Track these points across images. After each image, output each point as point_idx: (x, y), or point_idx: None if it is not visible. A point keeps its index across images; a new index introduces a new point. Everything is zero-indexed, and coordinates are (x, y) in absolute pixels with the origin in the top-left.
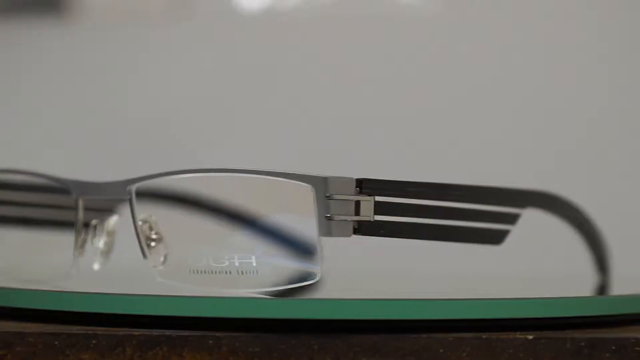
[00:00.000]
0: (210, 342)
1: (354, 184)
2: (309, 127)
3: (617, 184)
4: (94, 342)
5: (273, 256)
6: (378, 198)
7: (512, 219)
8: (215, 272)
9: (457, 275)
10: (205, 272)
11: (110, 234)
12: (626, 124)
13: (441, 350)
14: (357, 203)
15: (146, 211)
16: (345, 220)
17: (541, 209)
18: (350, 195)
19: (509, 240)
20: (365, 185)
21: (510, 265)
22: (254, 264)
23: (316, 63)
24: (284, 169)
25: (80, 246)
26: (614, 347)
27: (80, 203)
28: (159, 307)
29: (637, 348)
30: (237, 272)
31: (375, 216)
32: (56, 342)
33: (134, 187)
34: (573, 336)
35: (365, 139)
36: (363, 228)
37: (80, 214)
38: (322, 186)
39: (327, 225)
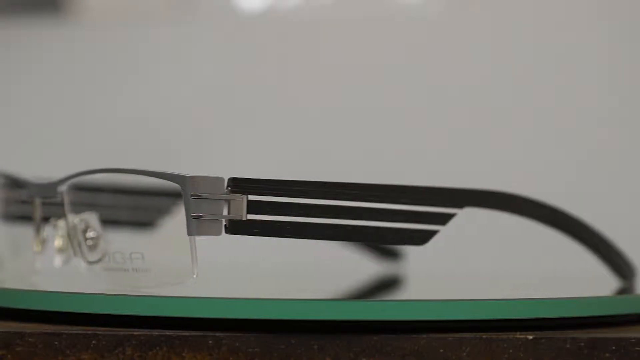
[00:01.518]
0: (210, 342)
1: (224, 183)
2: (309, 127)
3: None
4: (94, 342)
5: (157, 255)
6: (252, 197)
7: (441, 218)
8: (122, 270)
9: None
10: (116, 269)
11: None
12: (626, 124)
13: (441, 350)
14: (228, 202)
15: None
16: (215, 219)
17: (488, 209)
18: (219, 194)
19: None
20: (236, 184)
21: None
22: (144, 263)
23: (316, 63)
24: (281, 168)
25: (39, 244)
26: (613, 347)
27: (38, 202)
28: (158, 308)
29: (637, 348)
30: (133, 270)
31: (248, 215)
32: (56, 342)
33: (64, 187)
34: (573, 336)
35: (365, 139)
36: (235, 227)
37: (37, 213)
38: (189, 185)
39: (196, 224)
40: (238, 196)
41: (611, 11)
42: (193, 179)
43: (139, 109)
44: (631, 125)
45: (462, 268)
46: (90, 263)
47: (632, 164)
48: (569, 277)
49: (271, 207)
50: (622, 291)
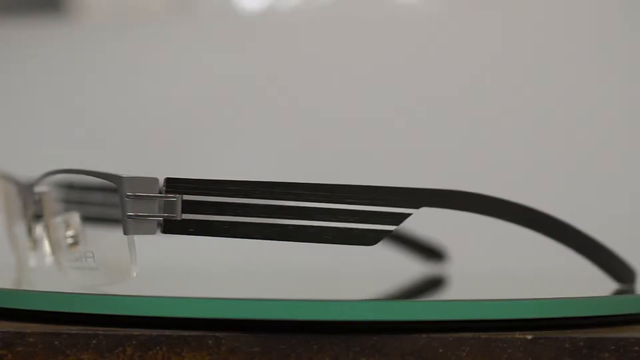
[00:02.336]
0: (210, 342)
1: (158, 183)
2: (309, 127)
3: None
4: (94, 342)
5: (105, 254)
6: (187, 197)
7: (395, 218)
8: (79, 268)
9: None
10: (75, 268)
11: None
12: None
13: (441, 350)
14: (162, 202)
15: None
16: (150, 218)
17: (446, 208)
18: (154, 194)
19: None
20: (170, 185)
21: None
22: (94, 261)
23: (316, 63)
24: (281, 168)
25: (32, 242)
26: (612, 347)
27: (28, 201)
28: (158, 308)
29: (636, 348)
30: (88, 268)
31: (183, 215)
32: (56, 342)
33: (39, 188)
34: (572, 336)
35: (365, 139)
36: (169, 226)
37: (28, 211)
38: (125, 185)
39: (132, 223)
40: (173, 196)
41: (611, 11)
42: (128, 179)
43: (138, 108)
44: (630, 125)
45: (461, 268)
46: (67, 261)
47: (629, 164)
48: (568, 277)
49: (206, 206)
50: (620, 292)
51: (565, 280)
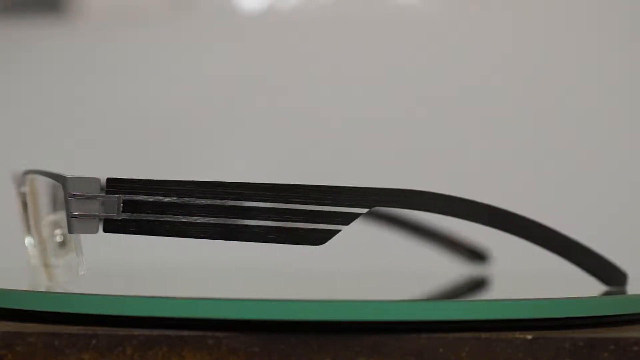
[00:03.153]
0: (210, 342)
1: (100, 183)
2: (309, 127)
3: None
4: (94, 342)
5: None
6: (127, 197)
7: (344, 218)
8: (46, 266)
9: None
10: (44, 265)
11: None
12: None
13: (441, 350)
14: (103, 201)
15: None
16: (92, 218)
17: (398, 207)
18: (94, 193)
19: None
20: (110, 185)
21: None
22: (54, 260)
23: (316, 63)
24: (280, 168)
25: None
26: (612, 347)
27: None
28: (159, 308)
29: (636, 348)
30: (53, 266)
31: (124, 214)
32: (56, 342)
33: (23, 188)
34: (572, 336)
35: (365, 139)
36: (110, 225)
37: (22, 209)
38: (69, 185)
39: (76, 222)
40: (113, 196)
41: (611, 11)
42: (72, 179)
43: (138, 108)
44: (629, 125)
45: (460, 268)
46: (55, 260)
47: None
48: (567, 277)
49: (147, 206)
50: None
51: (571, 280)
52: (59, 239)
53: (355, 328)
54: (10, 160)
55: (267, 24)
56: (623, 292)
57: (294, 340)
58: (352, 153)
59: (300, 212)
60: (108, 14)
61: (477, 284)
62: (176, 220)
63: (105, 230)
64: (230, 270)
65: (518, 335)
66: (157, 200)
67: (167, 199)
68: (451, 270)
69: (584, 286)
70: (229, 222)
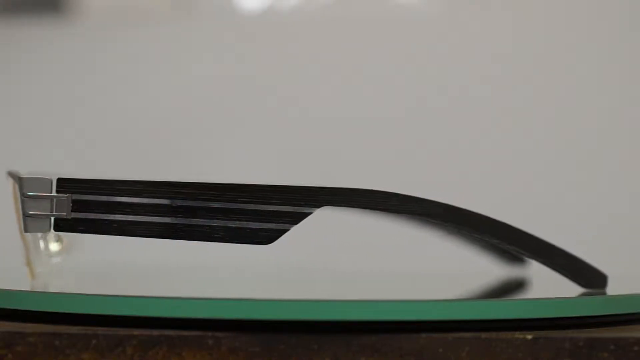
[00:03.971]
0: (210, 342)
1: (52, 183)
2: (309, 127)
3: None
4: (94, 342)
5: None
6: (77, 196)
7: (293, 217)
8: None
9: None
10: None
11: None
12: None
13: (441, 350)
14: (53, 201)
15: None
16: (44, 217)
17: (348, 207)
18: (46, 193)
19: None
20: (61, 185)
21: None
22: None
23: (316, 63)
24: (279, 168)
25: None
26: (612, 347)
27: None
28: (159, 308)
29: (636, 347)
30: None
31: (73, 213)
32: (57, 342)
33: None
34: (572, 336)
35: (365, 138)
36: (60, 224)
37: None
38: (23, 185)
39: (29, 221)
40: (63, 195)
41: (611, 12)
42: (25, 179)
43: (139, 107)
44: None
45: (459, 267)
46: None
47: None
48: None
49: (96, 205)
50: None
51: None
52: (52, 238)
53: (355, 328)
54: (10, 160)
55: (267, 23)
56: (603, 295)
57: (294, 340)
58: (352, 153)
59: (246, 212)
60: (108, 14)
61: (516, 285)
62: (124, 219)
63: (55, 229)
64: (230, 270)
65: (518, 335)
66: (105, 199)
67: (115, 198)
68: (490, 271)
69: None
70: (176, 222)
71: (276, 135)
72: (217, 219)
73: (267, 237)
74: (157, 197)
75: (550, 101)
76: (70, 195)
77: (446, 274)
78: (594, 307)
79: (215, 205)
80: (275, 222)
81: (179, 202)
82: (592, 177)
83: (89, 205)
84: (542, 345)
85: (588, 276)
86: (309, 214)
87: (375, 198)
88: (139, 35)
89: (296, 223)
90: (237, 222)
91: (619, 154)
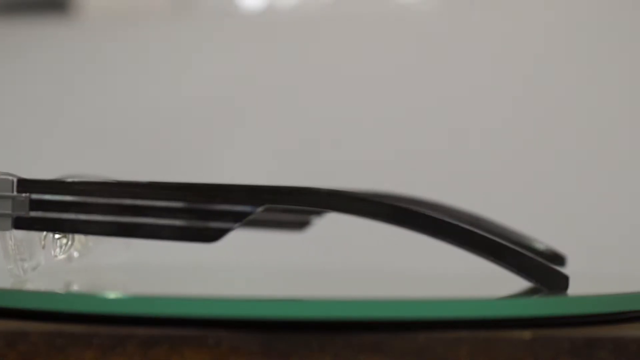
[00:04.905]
0: (211, 341)
1: (13, 183)
2: (308, 126)
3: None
4: (95, 340)
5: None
6: (35, 196)
7: (235, 216)
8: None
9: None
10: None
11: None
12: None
13: (440, 350)
14: (15, 200)
15: None
16: (4, 216)
17: (290, 205)
18: (7, 192)
19: None
20: (20, 185)
21: None
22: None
23: (315, 62)
24: (280, 167)
25: (43, 239)
26: (612, 346)
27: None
28: (160, 307)
29: (634, 347)
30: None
31: (31, 212)
32: (58, 341)
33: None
34: (571, 335)
35: (365, 137)
36: (19, 223)
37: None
38: None
39: None
40: (22, 195)
41: (611, 11)
42: None
43: (139, 107)
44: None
45: (457, 266)
46: (55, 257)
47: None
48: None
49: (52, 205)
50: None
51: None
52: (59, 238)
53: (356, 327)
54: (11, 160)
55: (267, 23)
56: (565, 296)
57: (294, 339)
58: (352, 152)
59: (192, 211)
60: (109, 14)
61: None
62: (77, 218)
63: (15, 228)
64: (230, 270)
65: (517, 334)
66: (60, 199)
67: (69, 198)
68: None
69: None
70: (127, 220)
71: (276, 134)
72: (165, 218)
73: (211, 236)
74: (109, 197)
75: (549, 101)
76: (29, 195)
77: (447, 273)
78: (593, 306)
79: (163, 204)
80: (219, 221)
81: (129, 202)
82: (591, 177)
83: (46, 205)
84: (542, 344)
85: (548, 277)
86: (251, 213)
87: (319, 197)
88: (139, 34)
89: (239, 222)
90: (183, 221)
91: (618, 154)
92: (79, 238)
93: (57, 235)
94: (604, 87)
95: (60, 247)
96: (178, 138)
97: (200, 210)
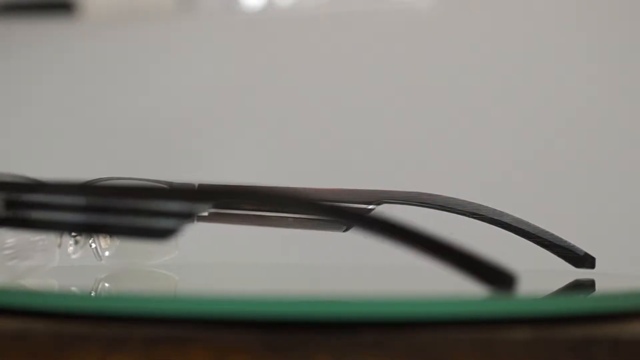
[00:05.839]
0: (212, 340)
1: None
2: (308, 126)
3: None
4: (96, 340)
5: None
6: (5, 196)
7: (184, 216)
8: None
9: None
10: None
11: None
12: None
13: (440, 350)
14: None
15: None
16: None
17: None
18: None
19: None
20: None
21: None
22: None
23: (315, 61)
24: (280, 163)
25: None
26: (611, 345)
27: None
28: (161, 307)
29: (634, 345)
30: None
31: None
32: (59, 341)
33: None
34: (571, 334)
35: (363, 137)
36: None
37: None
38: None
39: None
40: None
41: (610, 11)
42: None
43: (141, 106)
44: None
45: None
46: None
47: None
48: (564, 273)
49: (19, 205)
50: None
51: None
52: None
53: (357, 325)
54: (12, 160)
55: (267, 23)
56: (512, 295)
57: (295, 338)
58: (351, 151)
59: (147, 211)
60: (112, 13)
61: (583, 287)
62: (44, 217)
63: None
64: (231, 270)
65: (517, 333)
66: (26, 199)
67: (35, 198)
68: (555, 273)
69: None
70: (90, 220)
71: (275, 133)
72: (124, 217)
73: (164, 234)
74: (74, 197)
75: (550, 101)
76: None
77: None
78: (593, 304)
79: (122, 204)
80: (172, 220)
81: (92, 202)
82: (589, 177)
83: (14, 205)
84: (542, 343)
85: (493, 276)
86: (199, 212)
87: (260, 198)
88: (141, 34)
89: (190, 221)
90: (140, 220)
91: (618, 154)
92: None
93: (72, 234)
94: (604, 87)
95: (76, 245)
96: (178, 137)
97: (155, 210)
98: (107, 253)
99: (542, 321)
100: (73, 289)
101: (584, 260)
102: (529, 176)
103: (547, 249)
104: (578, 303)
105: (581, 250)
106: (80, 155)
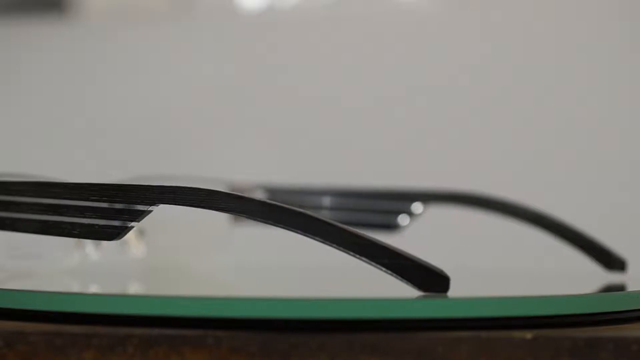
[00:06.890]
0: (210, 341)
1: None
2: (308, 125)
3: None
4: (95, 341)
5: None
6: None
7: (134, 215)
8: None
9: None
10: None
11: None
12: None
13: (440, 349)
14: None
15: None
16: None
17: (184, 205)
18: None
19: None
20: None
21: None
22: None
23: (315, 62)
24: (279, 166)
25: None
26: (612, 346)
27: None
28: (159, 307)
29: (635, 347)
30: None
31: None
32: (57, 342)
33: None
34: (571, 335)
35: (365, 136)
36: None
37: None
38: None
39: None
40: None
41: (610, 10)
42: None
43: (139, 107)
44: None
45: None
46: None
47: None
48: (565, 274)
49: None
50: (609, 288)
51: (561, 277)
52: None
53: (355, 326)
54: (12, 160)
55: (267, 23)
56: (445, 297)
57: (294, 339)
58: (351, 151)
59: (96, 209)
60: (109, 14)
61: (612, 290)
62: (5, 216)
63: None
64: (231, 269)
65: (518, 333)
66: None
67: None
68: (588, 276)
69: (575, 283)
70: (47, 219)
71: (276, 134)
72: (75, 216)
73: (112, 234)
74: (31, 196)
75: (550, 100)
76: None
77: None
78: (594, 305)
79: (74, 203)
80: (118, 220)
81: (49, 201)
82: (588, 177)
83: None
84: (542, 344)
85: (425, 278)
86: (145, 211)
87: (199, 195)
88: (138, 34)
89: (136, 220)
90: (89, 219)
91: (617, 154)
92: (129, 238)
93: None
94: (604, 87)
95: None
96: (178, 138)
97: (103, 209)
98: (140, 254)
99: (542, 321)
100: (71, 291)
101: (614, 262)
102: (529, 176)
103: (581, 250)
104: (578, 303)
105: (613, 253)
106: (80, 155)
